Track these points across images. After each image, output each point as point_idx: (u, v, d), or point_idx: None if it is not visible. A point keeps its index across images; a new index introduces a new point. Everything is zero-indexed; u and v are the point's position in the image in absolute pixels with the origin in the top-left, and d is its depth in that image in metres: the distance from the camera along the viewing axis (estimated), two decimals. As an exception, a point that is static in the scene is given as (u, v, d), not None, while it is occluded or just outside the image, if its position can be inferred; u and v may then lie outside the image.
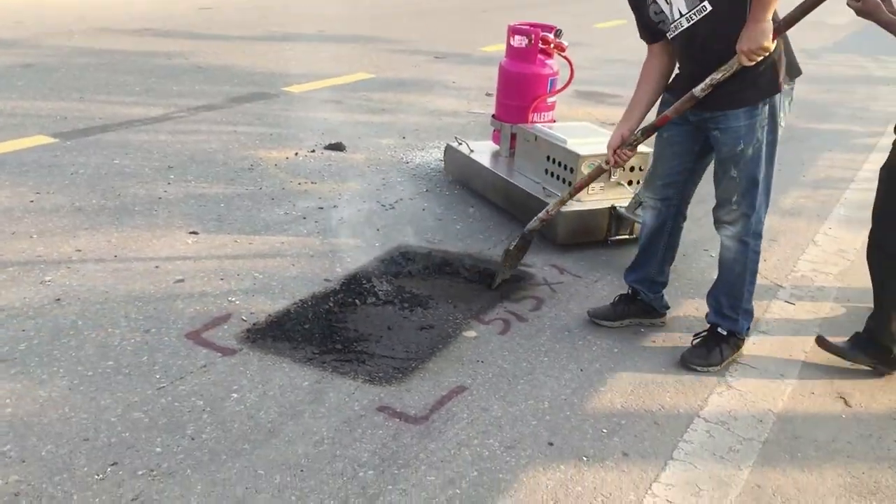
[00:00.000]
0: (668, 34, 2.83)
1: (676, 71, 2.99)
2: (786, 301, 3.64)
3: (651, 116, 3.04)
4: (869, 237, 3.10)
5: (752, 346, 3.22)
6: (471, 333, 3.14)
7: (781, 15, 2.67)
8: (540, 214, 3.50)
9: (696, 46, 2.77)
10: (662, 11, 2.80)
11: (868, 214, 3.09)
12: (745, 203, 2.89)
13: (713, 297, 3.11)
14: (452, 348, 3.02)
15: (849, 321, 3.49)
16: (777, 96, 2.79)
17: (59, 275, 3.28)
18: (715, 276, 3.14)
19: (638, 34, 3.02)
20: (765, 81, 2.75)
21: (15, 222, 3.72)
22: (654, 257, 3.25)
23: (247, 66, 7.17)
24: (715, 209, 2.99)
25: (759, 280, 3.75)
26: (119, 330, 2.92)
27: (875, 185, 3.10)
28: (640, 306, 3.32)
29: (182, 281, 3.33)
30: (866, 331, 3.10)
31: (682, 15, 2.74)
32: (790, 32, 2.81)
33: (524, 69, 4.57)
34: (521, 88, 4.59)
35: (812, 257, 4.16)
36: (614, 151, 3.07)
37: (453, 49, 8.88)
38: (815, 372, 3.08)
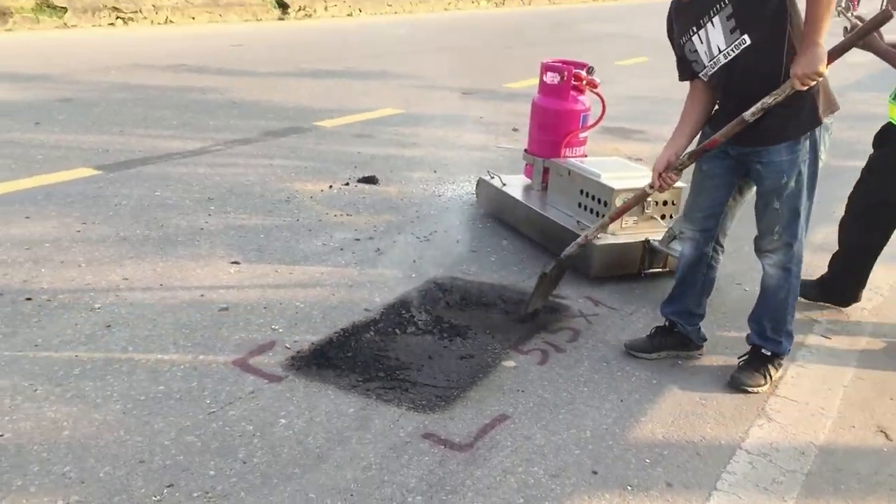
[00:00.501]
0: (701, 73, 2.92)
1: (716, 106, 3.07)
2: (822, 335, 3.67)
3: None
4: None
5: (791, 379, 3.25)
6: (510, 363, 3.18)
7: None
8: (578, 240, 3.57)
9: (736, 80, 2.84)
10: (696, 51, 2.89)
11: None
12: (787, 233, 2.97)
13: (756, 320, 3.20)
14: (493, 377, 3.06)
15: (886, 356, 3.51)
16: (818, 130, 2.87)
17: (108, 302, 3.37)
18: (749, 308, 3.20)
19: (678, 75, 3.11)
20: (805, 116, 2.83)
21: (64, 251, 3.82)
22: (692, 289, 3.31)
23: (279, 102, 7.31)
24: (757, 239, 3.08)
25: (795, 315, 3.80)
26: (168, 356, 2.99)
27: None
28: (677, 338, 3.36)
29: (226, 309, 3.41)
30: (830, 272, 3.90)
31: (720, 51, 2.82)
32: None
33: (557, 105, 4.65)
34: (553, 124, 4.67)
35: (845, 293, 4.17)
36: (660, 175, 3.12)
37: (479, 85, 9.00)
38: (854, 405, 3.09)
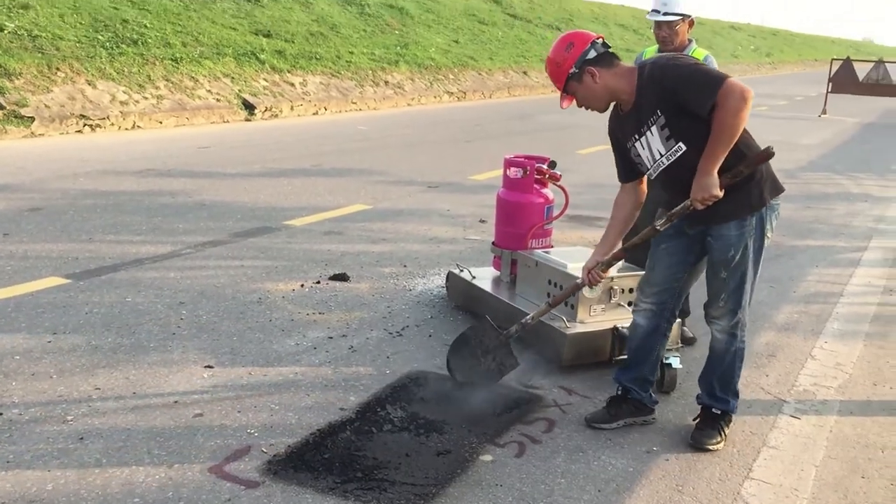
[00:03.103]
0: (647, 173, 3.28)
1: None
2: (791, 416, 3.73)
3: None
4: None
5: (764, 461, 3.29)
6: (487, 457, 3.19)
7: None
8: (521, 321, 3.81)
9: (674, 179, 3.17)
10: (640, 155, 3.24)
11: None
12: (732, 300, 3.27)
13: (706, 381, 3.46)
14: (471, 473, 3.07)
15: (855, 434, 3.57)
16: (764, 209, 3.19)
17: (81, 413, 3.34)
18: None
19: (618, 176, 3.47)
20: (753, 198, 3.16)
21: (34, 363, 3.80)
22: (648, 358, 3.53)
23: (248, 202, 7.41)
24: (706, 305, 3.39)
25: (763, 395, 3.90)
26: (143, 467, 2.96)
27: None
28: (631, 405, 3.54)
29: (201, 415, 3.39)
30: None
31: (662, 155, 3.16)
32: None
33: (521, 199, 4.79)
34: (519, 217, 4.79)
35: (811, 371, 4.27)
36: (588, 271, 3.48)
37: (444, 178, 9.20)
38: (827, 486, 3.14)
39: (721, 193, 3.03)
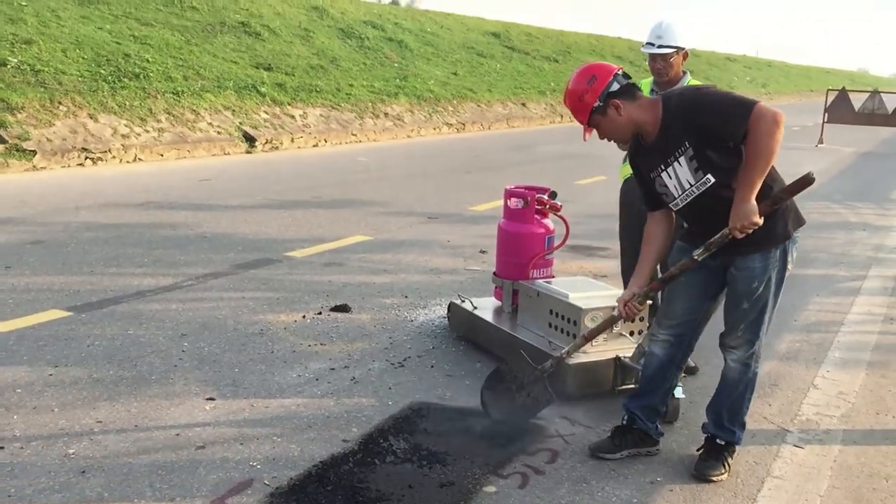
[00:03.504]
0: (671, 204, 3.23)
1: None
2: (795, 445, 3.72)
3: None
4: None
5: (769, 492, 3.28)
6: (490, 489, 3.18)
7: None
8: (557, 355, 3.81)
9: (705, 210, 3.14)
10: (666, 185, 3.19)
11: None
12: (750, 331, 3.26)
13: (714, 410, 3.43)
14: (474, 505, 3.05)
15: (859, 463, 3.56)
16: (788, 242, 3.18)
17: (83, 447, 3.33)
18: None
19: (644, 205, 3.43)
20: (779, 230, 3.15)
21: (36, 396, 3.79)
22: (661, 388, 3.51)
23: (249, 234, 7.43)
24: (723, 335, 3.35)
25: (766, 425, 3.89)
26: (144, 500, 2.95)
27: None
28: (636, 435, 3.51)
29: (203, 448, 3.38)
30: None
31: (691, 185, 3.12)
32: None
33: (522, 229, 4.81)
34: (519, 247, 4.81)
35: (814, 401, 4.26)
36: (625, 304, 3.40)
37: (444, 209, 9.24)
38: (832, 514, 3.12)
39: (761, 221, 2.99)
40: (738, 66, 56.35)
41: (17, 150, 10.37)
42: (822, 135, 21.19)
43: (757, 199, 2.99)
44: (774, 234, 3.14)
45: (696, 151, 3.05)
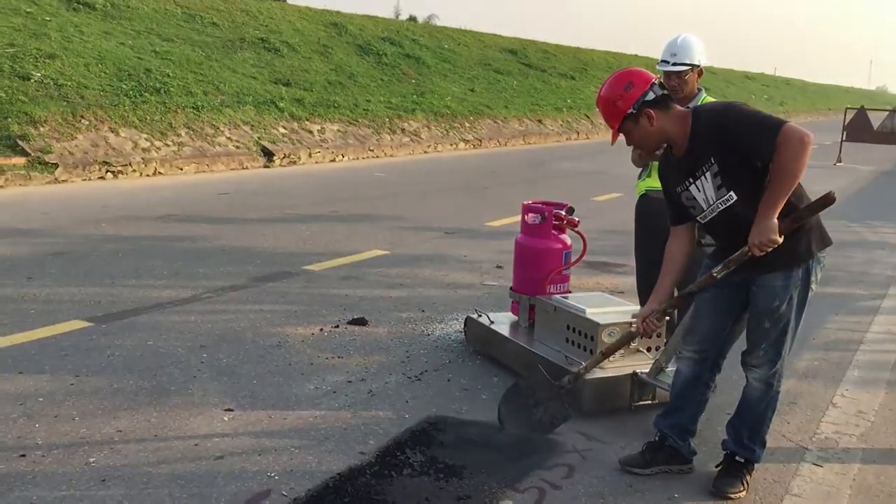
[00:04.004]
0: (699, 217, 3.23)
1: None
2: (814, 464, 3.69)
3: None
4: None
5: (787, 509, 3.26)
6: (507, 503, 3.18)
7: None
8: (575, 370, 3.84)
9: (729, 226, 3.15)
10: (694, 198, 3.19)
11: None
12: (772, 350, 3.24)
13: (734, 427, 3.41)
14: (491, 519, 3.05)
15: (878, 483, 3.53)
16: (811, 261, 3.16)
17: (103, 456, 3.36)
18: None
19: (669, 220, 3.43)
20: (801, 250, 3.13)
21: (57, 405, 3.83)
22: (689, 406, 3.48)
23: (267, 247, 7.49)
24: (745, 353, 3.33)
25: (785, 443, 3.87)
26: (164, 509, 2.97)
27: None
28: (668, 452, 3.48)
29: (221, 458, 3.41)
30: None
31: (714, 202, 3.13)
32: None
33: (539, 244, 4.83)
34: (537, 262, 4.82)
35: (833, 419, 4.23)
36: (643, 320, 3.41)
37: (461, 225, 9.26)
38: (852, 533, 3.10)
39: (780, 239, 2.98)
40: (755, 84, 56.29)
41: (40, 163, 10.51)
42: (840, 153, 21.10)
43: (779, 218, 2.99)
44: (797, 254, 3.12)
45: (720, 168, 3.06)
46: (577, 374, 3.81)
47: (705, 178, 3.11)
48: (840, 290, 7.18)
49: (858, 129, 22.07)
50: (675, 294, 3.49)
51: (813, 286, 3.21)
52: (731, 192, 3.08)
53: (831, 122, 36.17)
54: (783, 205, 2.98)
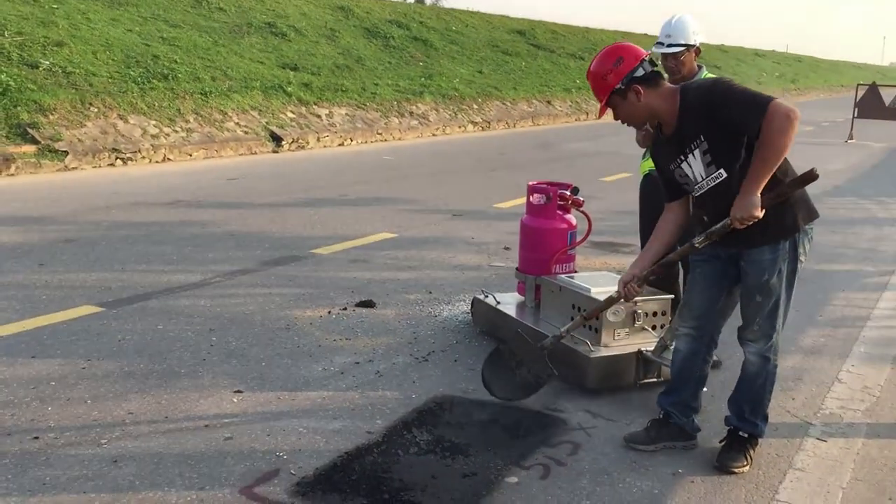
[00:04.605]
0: (692, 193, 3.28)
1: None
2: (818, 438, 3.72)
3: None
4: None
5: (790, 483, 3.29)
6: (512, 479, 3.22)
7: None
8: (556, 333, 3.95)
9: (719, 202, 3.18)
10: (686, 175, 3.24)
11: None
12: (766, 324, 3.28)
13: (735, 402, 3.46)
14: (496, 495, 3.10)
15: (883, 457, 3.55)
16: (797, 234, 3.19)
17: (115, 437, 3.42)
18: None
19: (665, 197, 3.48)
20: (787, 223, 3.16)
21: (69, 389, 3.89)
22: (689, 383, 3.53)
23: (276, 231, 7.53)
24: (740, 328, 3.38)
25: (789, 418, 3.89)
26: (175, 489, 3.03)
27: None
28: (672, 430, 3.53)
29: (231, 438, 3.46)
30: None
31: (703, 178, 3.17)
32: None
33: (544, 225, 4.84)
34: (542, 242, 4.84)
35: (838, 394, 4.25)
36: (625, 285, 3.48)
37: (469, 207, 9.28)
38: (854, 506, 3.13)
39: (761, 214, 3.03)
40: (766, 61, 55.79)
41: (50, 151, 10.56)
42: (851, 130, 20.94)
43: (766, 189, 3.03)
44: (783, 227, 3.17)
45: (709, 145, 3.11)
46: (557, 336, 3.90)
47: (694, 155, 3.16)
48: (848, 267, 7.17)
49: (870, 105, 21.89)
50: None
51: (802, 258, 3.27)
52: (721, 170, 3.13)
53: (843, 99, 35.85)
54: (768, 180, 3.02)
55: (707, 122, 3.09)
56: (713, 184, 3.16)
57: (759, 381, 3.37)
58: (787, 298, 3.28)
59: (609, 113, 3.33)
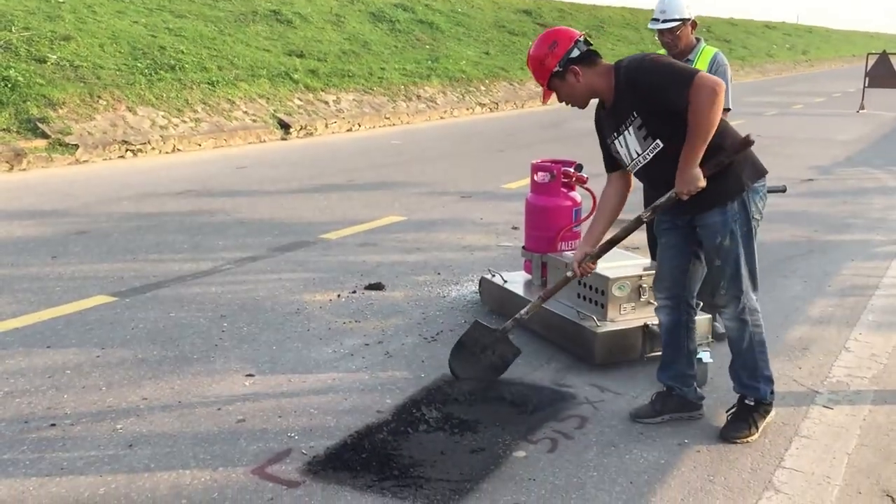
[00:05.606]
0: (627, 168, 3.39)
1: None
2: (824, 406, 3.74)
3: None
4: None
5: (796, 450, 3.32)
6: (520, 453, 3.27)
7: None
8: (516, 316, 3.99)
9: (656, 174, 3.29)
10: (619, 153, 3.36)
11: None
12: (732, 287, 3.33)
13: (733, 371, 3.50)
14: (504, 468, 3.15)
15: (888, 422, 3.58)
16: (745, 193, 3.25)
17: (130, 422, 3.49)
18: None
19: (604, 167, 3.60)
20: (731, 184, 3.24)
21: (84, 377, 3.97)
22: (681, 352, 3.58)
23: (285, 218, 7.58)
24: (710, 296, 3.49)
25: (796, 387, 3.92)
26: (189, 470, 3.10)
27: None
28: (677, 401, 3.58)
29: (243, 420, 3.52)
30: None
31: (639, 154, 3.27)
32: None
33: (549, 202, 4.87)
34: (547, 220, 4.87)
35: (846, 363, 4.27)
36: (579, 264, 3.56)
37: (477, 188, 9.30)
38: (860, 472, 3.16)
39: (704, 183, 3.13)
40: (777, 33, 55.26)
41: (60, 145, 10.65)
42: (863, 100, 20.76)
43: (707, 156, 3.12)
44: (727, 189, 3.23)
45: (643, 120, 3.19)
46: (517, 319, 3.97)
47: (629, 132, 3.25)
48: (858, 237, 7.16)
49: (881, 74, 21.69)
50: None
51: (756, 216, 3.31)
52: (658, 141, 3.20)
53: (855, 69, 35.50)
54: (704, 150, 3.10)
55: (636, 97, 3.18)
56: (652, 156, 3.24)
57: (742, 345, 3.40)
58: (749, 259, 3.31)
59: (554, 98, 3.42)
